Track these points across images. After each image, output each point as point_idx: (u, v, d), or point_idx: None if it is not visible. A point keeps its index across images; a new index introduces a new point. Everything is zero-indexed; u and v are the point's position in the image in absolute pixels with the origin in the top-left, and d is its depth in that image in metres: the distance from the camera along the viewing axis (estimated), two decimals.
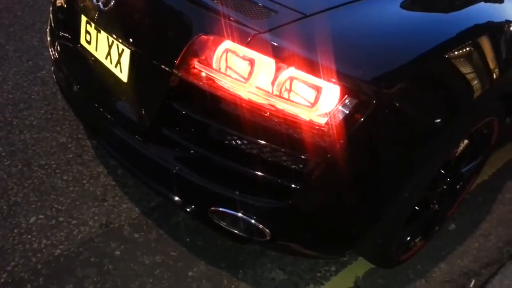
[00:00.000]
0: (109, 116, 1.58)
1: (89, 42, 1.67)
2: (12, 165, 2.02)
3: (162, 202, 1.93)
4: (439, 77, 1.40)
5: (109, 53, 1.56)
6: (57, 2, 1.86)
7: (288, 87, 1.22)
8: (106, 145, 1.68)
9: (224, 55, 1.27)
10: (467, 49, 1.44)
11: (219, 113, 1.32)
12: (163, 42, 1.42)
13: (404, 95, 1.28)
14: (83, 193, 1.94)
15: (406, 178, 1.41)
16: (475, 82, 1.46)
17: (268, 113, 1.26)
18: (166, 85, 1.37)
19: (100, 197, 1.94)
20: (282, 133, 1.26)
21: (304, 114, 1.22)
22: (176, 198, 1.46)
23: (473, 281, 1.86)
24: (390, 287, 1.80)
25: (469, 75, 1.44)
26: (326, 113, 1.21)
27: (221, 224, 1.42)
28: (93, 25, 1.61)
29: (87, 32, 1.66)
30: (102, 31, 1.57)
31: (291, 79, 1.21)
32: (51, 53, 1.92)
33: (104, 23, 1.56)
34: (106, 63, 1.59)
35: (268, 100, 1.25)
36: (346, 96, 1.20)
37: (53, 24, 1.91)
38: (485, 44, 1.50)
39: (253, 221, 1.34)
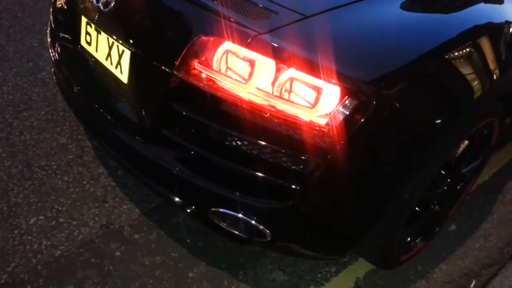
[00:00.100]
0: (109, 117, 1.58)
1: (89, 43, 1.67)
2: (12, 166, 2.02)
3: (162, 203, 1.93)
4: (439, 78, 1.40)
5: (109, 54, 1.57)
6: (57, 3, 1.86)
7: (288, 88, 1.22)
8: (107, 146, 1.68)
9: (224, 56, 1.27)
10: (467, 50, 1.44)
11: (220, 114, 1.32)
12: (163, 43, 1.42)
13: (404, 96, 1.28)
14: (83, 194, 1.94)
15: (407, 179, 1.41)
16: (475, 82, 1.46)
17: (268, 114, 1.26)
18: (166, 86, 1.37)
19: (100, 198, 1.94)
20: (282, 134, 1.26)
21: (305, 115, 1.22)
22: (177, 199, 1.46)
23: (474, 282, 1.86)
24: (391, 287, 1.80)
25: (469, 75, 1.44)
26: (326, 114, 1.21)
27: (222, 225, 1.42)
28: (93, 26, 1.61)
29: (87, 33, 1.66)
30: (102, 32, 1.57)
31: (291, 80, 1.21)
32: (51, 54, 1.92)
33: (105, 24, 1.56)
34: (107, 64, 1.59)
35: (268, 101, 1.25)
36: (346, 97, 1.20)
37: (53, 25, 1.91)
38: (485, 44, 1.51)
39: (253, 222, 1.34)
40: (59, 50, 1.87)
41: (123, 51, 1.50)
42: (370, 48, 1.28)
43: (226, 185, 1.35)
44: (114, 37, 1.52)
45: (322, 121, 1.21)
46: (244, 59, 1.25)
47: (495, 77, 1.53)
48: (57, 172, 2.02)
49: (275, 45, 1.22)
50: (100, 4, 1.53)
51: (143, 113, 1.49)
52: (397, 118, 1.29)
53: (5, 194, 1.90)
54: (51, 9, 1.95)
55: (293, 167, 1.29)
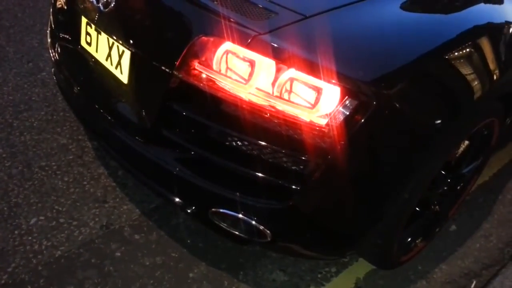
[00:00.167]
0: (109, 117, 1.58)
1: (89, 44, 1.67)
2: (12, 167, 2.02)
3: (162, 204, 1.93)
4: (439, 78, 1.40)
5: (109, 55, 1.57)
6: (57, 3, 1.86)
7: (288, 88, 1.22)
8: (107, 146, 1.68)
9: (224, 57, 1.27)
10: (467, 50, 1.44)
11: (220, 114, 1.32)
12: (163, 44, 1.42)
13: (405, 96, 1.28)
14: (83, 195, 1.94)
15: (407, 179, 1.41)
16: (475, 83, 1.46)
17: (268, 114, 1.26)
18: (167, 86, 1.37)
19: (100, 199, 1.94)
20: (282, 134, 1.26)
21: (305, 115, 1.22)
22: (177, 199, 1.46)
23: (474, 282, 1.86)
24: None
25: (469, 76, 1.44)
26: (326, 114, 1.21)
27: (222, 225, 1.42)
28: (93, 26, 1.61)
29: (87, 33, 1.66)
30: (102, 33, 1.58)
31: (292, 80, 1.21)
32: (51, 54, 1.92)
33: (105, 25, 1.56)
34: (107, 64, 1.59)
35: (269, 101, 1.25)
36: (347, 97, 1.20)
37: (53, 26, 1.91)
38: (485, 45, 1.51)
39: (253, 222, 1.34)
40: (59, 51, 1.87)
41: (123, 51, 1.50)
42: (370, 48, 1.28)
43: (226, 186, 1.35)
44: (114, 38, 1.52)
45: (322, 122, 1.21)
46: (244, 59, 1.25)
47: (495, 77, 1.53)
48: (57, 172, 2.02)
49: (275, 45, 1.22)
50: (100, 5, 1.53)
51: (143, 113, 1.49)
52: (397, 118, 1.29)
53: (5, 195, 1.90)
54: (51, 10, 1.95)
55: (293, 167, 1.29)
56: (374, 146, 1.31)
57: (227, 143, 1.34)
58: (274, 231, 1.36)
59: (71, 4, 1.76)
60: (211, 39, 1.29)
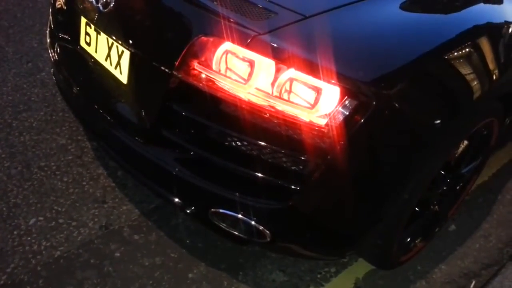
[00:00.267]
0: (109, 118, 1.58)
1: (88, 44, 1.67)
2: (11, 167, 2.02)
3: (162, 204, 1.93)
4: (439, 78, 1.40)
5: (109, 55, 1.56)
6: (57, 3, 1.86)
7: (288, 88, 1.22)
8: (106, 146, 1.68)
9: (224, 57, 1.27)
10: (467, 50, 1.44)
11: (219, 114, 1.32)
12: (163, 44, 1.42)
13: (404, 96, 1.28)
14: (83, 195, 1.94)
15: (406, 179, 1.41)
16: (475, 83, 1.46)
17: (268, 115, 1.26)
18: (166, 86, 1.37)
19: (100, 199, 1.93)
20: (282, 134, 1.26)
21: (304, 115, 1.22)
22: (176, 200, 1.46)
23: (474, 282, 1.86)
24: None
25: (468, 76, 1.44)
26: (326, 114, 1.21)
27: (221, 225, 1.42)
28: (92, 26, 1.61)
29: (86, 33, 1.66)
30: (102, 33, 1.57)
31: (291, 80, 1.21)
32: (50, 54, 1.92)
33: (104, 25, 1.56)
34: (106, 64, 1.59)
35: (268, 101, 1.25)
36: (346, 97, 1.20)
37: (52, 26, 1.91)
38: (485, 45, 1.51)
39: (253, 222, 1.34)
40: (58, 51, 1.86)
41: (122, 51, 1.50)
42: (370, 49, 1.28)
43: (226, 186, 1.35)
44: (114, 38, 1.52)
45: (322, 122, 1.21)
46: (243, 59, 1.25)
47: (494, 77, 1.53)
48: (56, 173, 2.02)
49: (275, 45, 1.22)
50: (99, 5, 1.53)
51: (143, 113, 1.48)
52: (397, 119, 1.29)
53: (4, 195, 1.89)
54: (50, 10, 1.95)
55: (292, 167, 1.29)
56: (374, 146, 1.31)
57: (227, 143, 1.34)
58: (274, 232, 1.36)
59: (71, 4, 1.76)
60: (211, 39, 1.29)
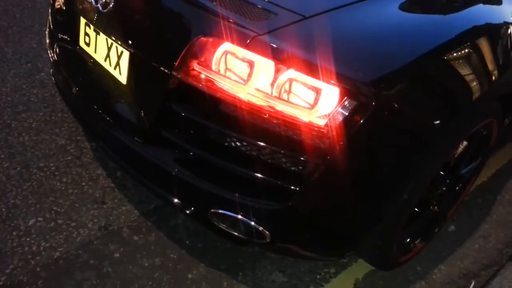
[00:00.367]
0: (108, 118, 1.58)
1: (88, 44, 1.66)
2: (11, 168, 2.02)
3: (161, 204, 1.92)
4: (438, 79, 1.40)
5: (108, 55, 1.56)
6: (56, 4, 1.86)
7: (287, 88, 1.22)
8: (105, 147, 1.68)
9: (223, 57, 1.27)
10: (466, 50, 1.44)
11: (219, 115, 1.32)
12: (162, 44, 1.42)
13: (404, 96, 1.28)
14: (82, 196, 1.94)
15: (406, 180, 1.41)
16: (474, 83, 1.46)
17: (267, 115, 1.26)
18: (166, 87, 1.37)
19: (99, 199, 1.93)
20: (281, 135, 1.26)
21: (304, 116, 1.22)
22: (176, 200, 1.46)
23: (473, 283, 1.86)
24: None
25: (468, 76, 1.44)
26: (325, 115, 1.21)
27: (221, 226, 1.42)
28: (92, 27, 1.61)
29: (86, 34, 1.66)
30: (101, 33, 1.57)
31: (291, 80, 1.21)
32: (50, 55, 1.92)
33: (103, 25, 1.56)
34: (105, 65, 1.59)
35: (268, 102, 1.25)
36: (346, 97, 1.20)
37: (52, 26, 1.91)
38: (484, 45, 1.51)
39: (252, 223, 1.34)
40: (57, 51, 1.86)
41: (122, 52, 1.50)
42: (369, 49, 1.28)
43: (226, 186, 1.35)
44: (113, 38, 1.52)
45: (321, 122, 1.21)
46: (243, 60, 1.25)
47: (493, 78, 1.53)
48: (55, 173, 2.02)
49: (274, 46, 1.22)
50: (99, 5, 1.53)
51: (142, 114, 1.48)
52: (396, 119, 1.29)
53: (3, 196, 1.89)
54: (49, 10, 1.95)
55: (292, 168, 1.29)
56: (373, 147, 1.31)
57: (226, 144, 1.34)
58: (273, 232, 1.36)
59: (70, 4, 1.76)
60: (210, 39, 1.29)
